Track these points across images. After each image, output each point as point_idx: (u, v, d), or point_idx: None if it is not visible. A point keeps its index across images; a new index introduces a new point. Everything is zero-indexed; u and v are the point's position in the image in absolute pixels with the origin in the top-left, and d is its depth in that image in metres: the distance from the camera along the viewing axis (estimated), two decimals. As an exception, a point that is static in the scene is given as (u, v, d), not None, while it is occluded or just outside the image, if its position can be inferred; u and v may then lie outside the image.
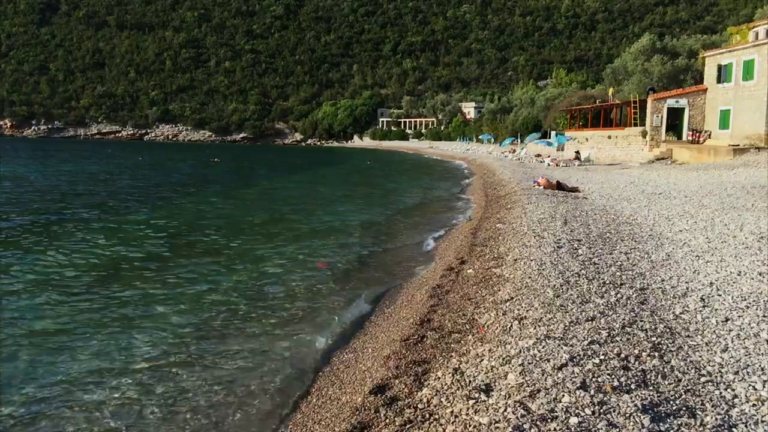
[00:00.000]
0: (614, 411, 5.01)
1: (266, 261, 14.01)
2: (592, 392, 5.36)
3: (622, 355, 6.25)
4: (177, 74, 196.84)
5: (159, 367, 7.79)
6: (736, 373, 5.81)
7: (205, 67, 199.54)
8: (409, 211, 24.53)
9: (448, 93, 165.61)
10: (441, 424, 5.26)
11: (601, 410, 5.02)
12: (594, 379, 5.64)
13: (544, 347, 6.53)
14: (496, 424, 4.94)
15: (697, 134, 40.51)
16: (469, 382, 5.93)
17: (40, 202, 24.89)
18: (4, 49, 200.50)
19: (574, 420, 4.86)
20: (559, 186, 24.68)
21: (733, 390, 5.45)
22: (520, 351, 6.50)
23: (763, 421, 4.88)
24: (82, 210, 22.73)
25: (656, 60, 55.08)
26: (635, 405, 5.08)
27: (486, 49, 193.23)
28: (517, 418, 4.97)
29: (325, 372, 7.79)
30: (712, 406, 5.14)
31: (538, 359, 6.21)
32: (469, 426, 5.04)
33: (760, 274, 9.32)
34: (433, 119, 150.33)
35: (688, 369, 5.94)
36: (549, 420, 4.91)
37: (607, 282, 9.23)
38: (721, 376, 5.75)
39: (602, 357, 6.19)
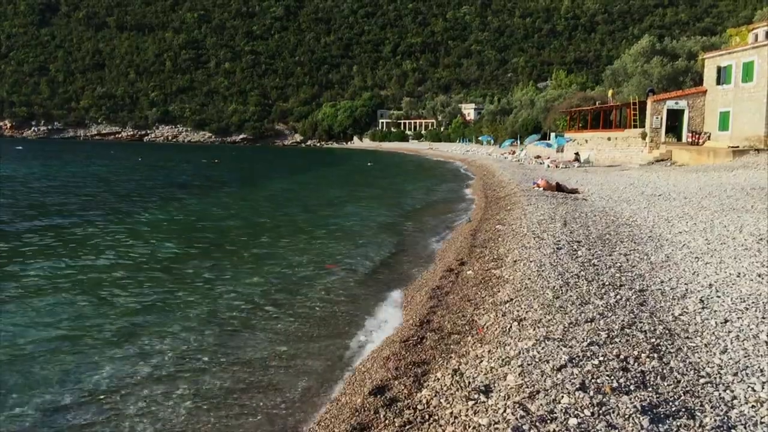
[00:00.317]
0: (613, 412, 5.01)
1: (274, 262, 14.04)
2: (592, 393, 5.36)
3: (622, 357, 6.26)
4: (177, 75, 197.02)
5: (161, 373, 7.80)
6: (735, 374, 5.82)
7: (205, 68, 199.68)
8: (409, 213, 24.56)
9: (448, 94, 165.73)
10: (440, 425, 5.26)
11: (601, 411, 5.03)
12: (593, 380, 5.64)
13: (543, 348, 6.53)
14: (496, 425, 4.94)
15: (697, 136, 40.53)
16: (469, 383, 5.94)
17: (54, 204, 24.97)
18: (4, 50, 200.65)
19: (573, 421, 4.87)
20: (559, 187, 24.69)
21: (732, 391, 5.46)
22: (520, 352, 6.50)
23: (762, 423, 4.88)
24: (97, 211, 22.79)
25: (656, 62, 55.09)
26: (634, 406, 5.08)
27: (486, 51, 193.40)
28: (516, 419, 4.97)
29: (324, 373, 7.79)
30: (711, 408, 5.15)
31: (537, 360, 6.21)
32: (469, 427, 5.04)
33: (759, 276, 9.33)
34: (433, 120, 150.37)
35: (687, 370, 5.95)
36: (548, 421, 4.92)
37: (607, 283, 9.24)
38: (720, 378, 5.76)
39: (601, 358, 6.20)
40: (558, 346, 6.56)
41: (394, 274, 13.30)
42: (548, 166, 44.22)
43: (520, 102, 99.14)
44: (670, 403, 5.22)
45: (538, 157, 56.25)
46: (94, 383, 7.35)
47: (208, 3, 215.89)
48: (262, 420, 6.58)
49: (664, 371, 5.92)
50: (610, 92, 57.08)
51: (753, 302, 8.01)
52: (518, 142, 77.92)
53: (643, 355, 6.32)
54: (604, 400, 5.24)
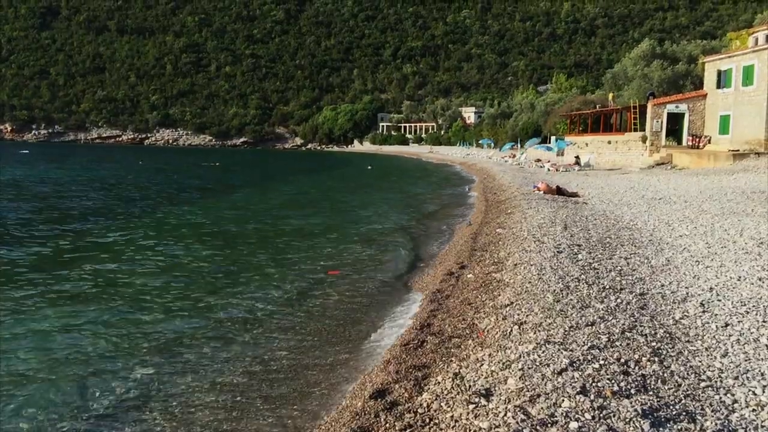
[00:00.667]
0: (614, 416, 5.01)
1: (278, 268, 14.02)
2: (592, 397, 5.36)
3: (622, 360, 6.25)
4: (177, 79, 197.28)
5: (161, 374, 7.81)
6: (736, 378, 5.82)
7: (205, 72, 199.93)
8: (410, 215, 24.54)
9: (448, 98, 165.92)
10: (441, 429, 5.26)
11: (601, 415, 5.03)
12: (594, 384, 5.64)
13: (544, 352, 6.53)
14: (496, 429, 4.94)
15: (697, 139, 40.53)
16: (469, 386, 5.94)
17: (81, 208, 25.16)
18: (5, 53, 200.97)
19: (574, 425, 4.87)
20: (559, 191, 24.70)
21: (733, 395, 5.46)
22: (520, 356, 6.50)
23: (763, 426, 4.88)
24: (112, 216, 22.90)
25: (656, 65, 55.14)
26: (635, 410, 5.08)
27: (486, 54, 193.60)
28: (517, 422, 4.97)
29: (325, 377, 7.79)
30: (712, 411, 5.14)
31: (538, 364, 6.21)
32: (470, 430, 5.04)
33: (759, 279, 9.33)
34: (433, 124, 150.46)
35: (687, 374, 5.95)
36: (549, 425, 4.91)
37: (607, 287, 9.23)
38: (721, 381, 5.76)
39: (602, 362, 6.19)
40: (559, 350, 6.56)
41: (394, 277, 13.30)
42: (548, 170, 44.23)
43: (520, 105, 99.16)
44: (671, 407, 5.21)
45: (539, 160, 56.24)
46: (106, 386, 7.36)
47: (208, 7, 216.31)
48: (262, 423, 6.58)
49: (665, 375, 5.92)
50: (611, 95, 57.13)
51: (754, 306, 8.01)
52: (518, 145, 77.90)
53: (643, 358, 6.32)
54: (605, 403, 5.23)
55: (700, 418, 5.03)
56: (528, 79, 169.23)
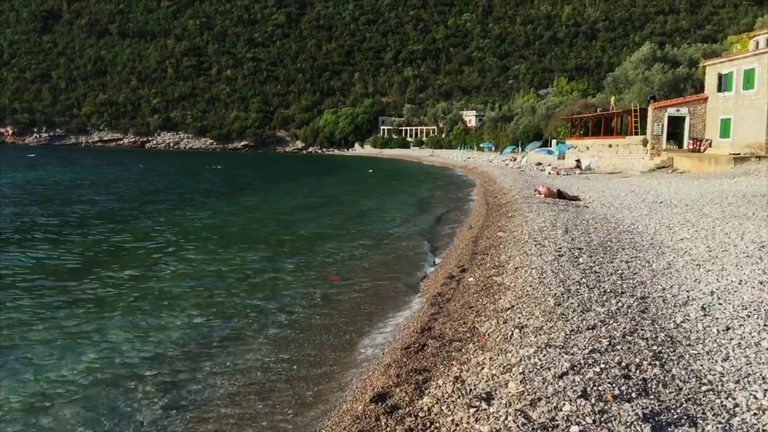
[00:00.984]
0: (615, 420, 5.01)
1: (280, 272, 14.03)
2: (593, 401, 5.35)
3: (623, 364, 6.25)
4: (178, 82, 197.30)
5: (159, 374, 7.81)
6: (737, 381, 5.81)
7: (206, 75, 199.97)
8: (410, 217, 24.55)
9: (449, 101, 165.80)
10: (442, 433, 5.26)
11: (602, 419, 5.02)
12: (595, 388, 5.64)
13: (544, 355, 6.53)
14: (497, 433, 4.94)
15: (698, 143, 40.52)
16: (470, 390, 5.93)
17: (88, 211, 25.10)
18: (7, 56, 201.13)
19: (574, 429, 4.86)
20: (560, 194, 24.69)
21: (734, 399, 5.45)
22: (521, 359, 6.49)
23: (764, 430, 4.88)
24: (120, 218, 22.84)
25: (657, 69, 55.14)
26: (636, 414, 5.07)
27: (487, 58, 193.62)
28: (518, 426, 4.97)
29: (326, 380, 7.79)
30: (713, 415, 5.14)
31: (538, 368, 6.21)
32: (470, 434, 5.03)
33: (761, 283, 9.32)
34: (434, 127, 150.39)
35: (689, 378, 5.94)
36: (550, 428, 4.91)
37: (608, 290, 9.23)
38: (722, 385, 5.75)
39: (603, 365, 6.19)
40: (559, 354, 6.55)
41: (395, 280, 13.30)
42: (549, 173, 44.23)
43: (521, 109, 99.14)
44: (672, 411, 5.21)
45: (539, 164, 56.25)
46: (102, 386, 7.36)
47: (210, 10, 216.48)
48: (263, 427, 6.57)
49: (666, 379, 5.91)
50: (612, 99, 57.14)
51: (755, 309, 8.01)
52: (519, 149, 77.93)
53: (644, 362, 6.31)
54: (606, 407, 5.23)
55: (701, 422, 5.03)
56: (529, 82, 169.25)
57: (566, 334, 7.18)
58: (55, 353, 8.50)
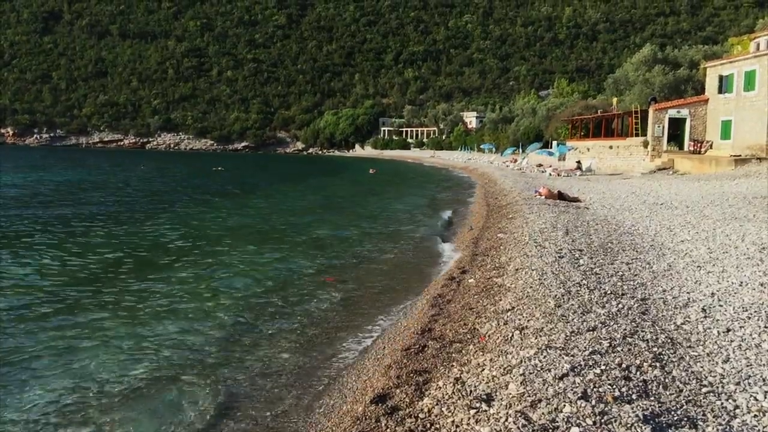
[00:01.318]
0: (615, 421, 5.00)
1: (281, 273, 14.02)
2: (594, 402, 5.35)
3: (624, 365, 6.24)
4: (179, 83, 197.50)
5: (159, 376, 7.81)
6: (738, 383, 5.81)
7: (207, 76, 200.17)
8: (410, 218, 24.56)
9: (450, 102, 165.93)
10: (442, 434, 5.25)
11: (603, 420, 5.02)
12: (595, 389, 5.63)
13: (545, 357, 6.52)
14: (497, 434, 4.93)
15: (699, 144, 40.53)
16: (470, 391, 5.93)
17: (101, 212, 25.08)
18: (7, 57, 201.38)
19: (575, 430, 4.86)
20: (561, 196, 24.67)
21: (735, 401, 5.45)
22: (522, 361, 6.49)
23: (764, 432, 4.87)
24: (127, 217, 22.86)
25: (657, 70, 55.14)
26: (636, 415, 5.07)
27: (487, 59, 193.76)
28: (518, 428, 4.96)
29: (326, 382, 7.79)
30: (714, 417, 5.13)
31: (539, 369, 6.20)
32: (470, 436, 5.03)
33: (761, 285, 9.31)
34: (435, 129, 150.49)
35: (689, 379, 5.94)
36: (550, 430, 4.91)
37: (609, 292, 9.22)
38: (723, 387, 5.74)
39: (603, 367, 6.18)
40: (560, 355, 6.55)
41: (395, 281, 13.30)
42: (550, 175, 44.22)
43: (521, 110, 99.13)
44: (673, 413, 5.20)
45: (540, 165, 56.23)
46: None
47: (210, 11, 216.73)
48: (261, 427, 6.57)
49: (667, 380, 5.91)
50: (614, 100, 57.13)
51: (755, 311, 8.00)
52: (520, 150, 77.94)
53: (645, 364, 6.31)
54: (606, 409, 5.22)
55: (701, 423, 5.02)
56: (529, 84, 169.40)
57: (567, 336, 7.17)
58: (74, 358, 8.51)
